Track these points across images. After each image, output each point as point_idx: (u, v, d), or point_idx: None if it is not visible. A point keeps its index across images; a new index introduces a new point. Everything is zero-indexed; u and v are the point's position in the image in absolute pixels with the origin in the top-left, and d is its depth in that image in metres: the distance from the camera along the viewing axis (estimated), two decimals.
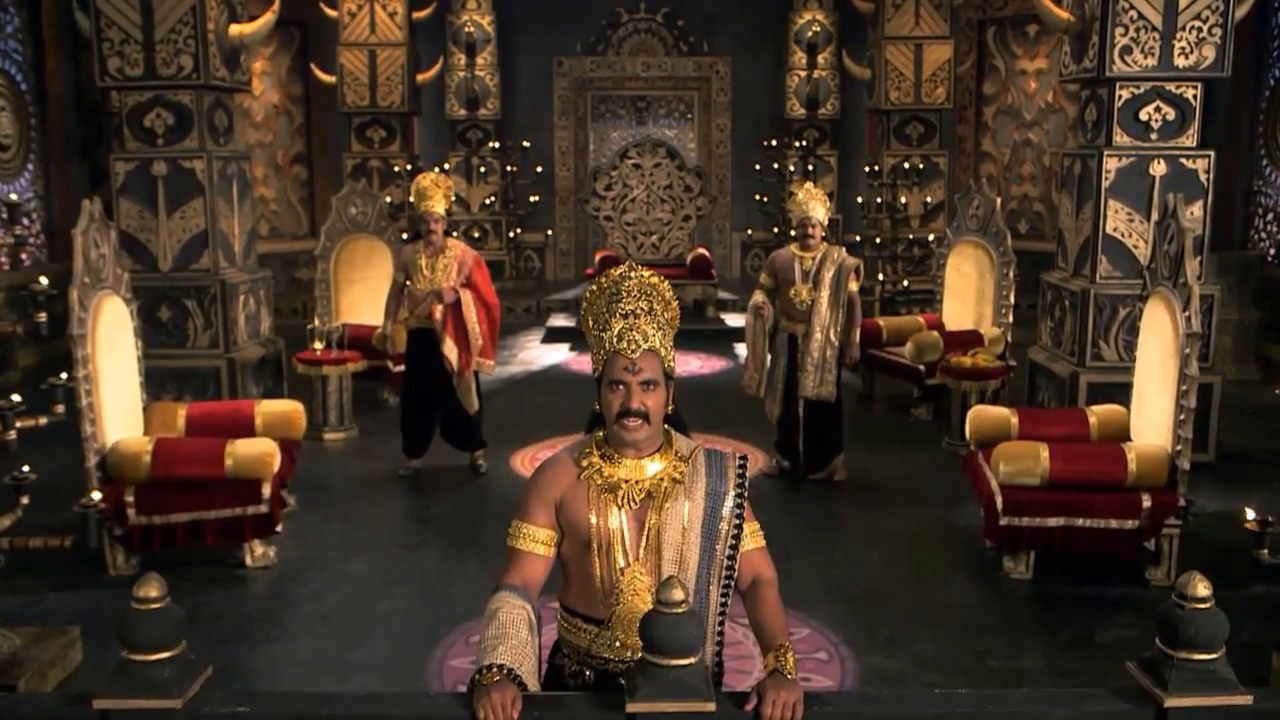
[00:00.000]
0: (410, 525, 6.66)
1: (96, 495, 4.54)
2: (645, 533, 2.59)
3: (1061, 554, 5.60)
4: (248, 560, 5.81)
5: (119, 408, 5.84)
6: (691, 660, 2.31)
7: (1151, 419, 5.80)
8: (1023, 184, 14.29)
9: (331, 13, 12.89)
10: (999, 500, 5.57)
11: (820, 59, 15.35)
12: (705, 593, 2.62)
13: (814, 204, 7.15)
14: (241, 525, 5.71)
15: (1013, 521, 5.55)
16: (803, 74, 15.45)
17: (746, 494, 2.68)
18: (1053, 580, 5.60)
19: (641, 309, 2.59)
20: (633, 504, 2.59)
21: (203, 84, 7.72)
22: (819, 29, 15.27)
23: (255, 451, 5.70)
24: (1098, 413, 6.15)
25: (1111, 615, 5.22)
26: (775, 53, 15.86)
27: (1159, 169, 7.27)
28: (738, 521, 2.65)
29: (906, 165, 12.62)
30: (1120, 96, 7.27)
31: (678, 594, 2.32)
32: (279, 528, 5.85)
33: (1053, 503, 5.52)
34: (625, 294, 2.60)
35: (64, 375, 4.58)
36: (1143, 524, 5.45)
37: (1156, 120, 7.27)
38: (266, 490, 5.69)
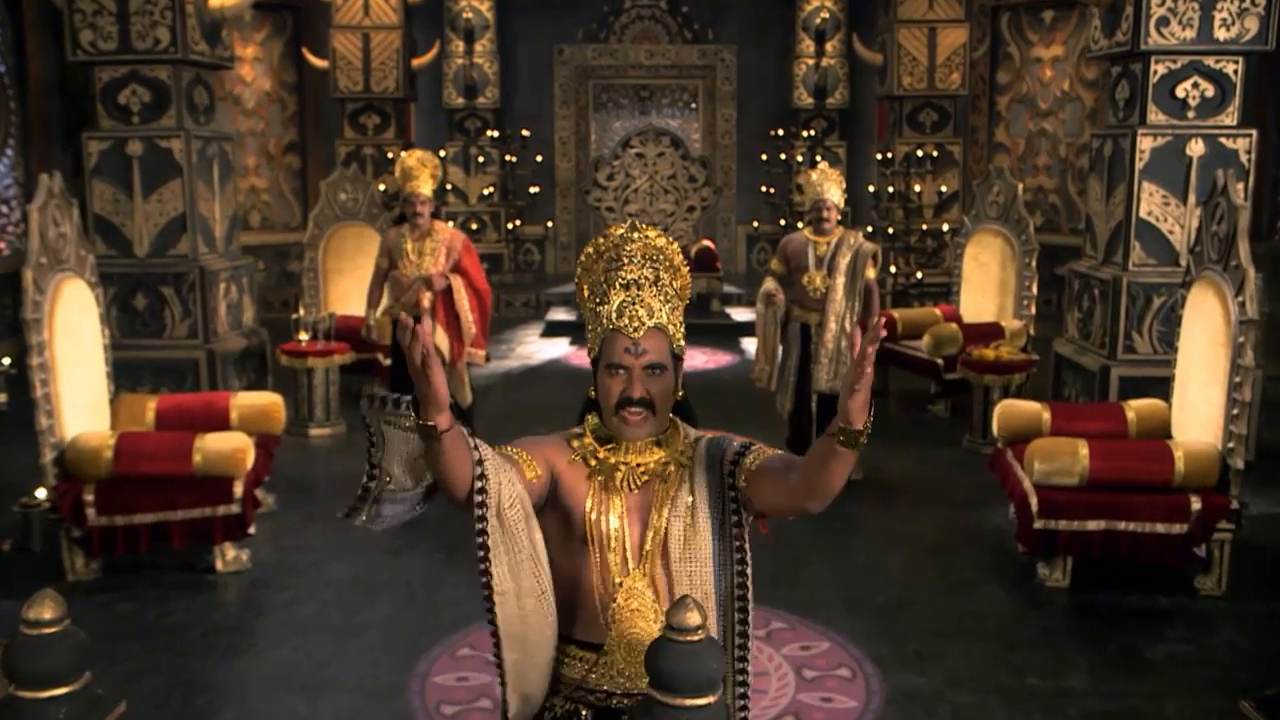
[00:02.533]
0: (396, 528, 6.20)
1: (41, 493, 4.11)
2: (648, 530, 2.17)
3: (1102, 560, 5.15)
4: (218, 565, 5.36)
5: (81, 399, 5.40)
6: (710, 699, 1.88)
7: (1197, 414, 5.35)
8: (1038, 175, 13.81)
9: None
10: (1033, 501, 5.13)
11: (828, 47, 14.87)
12: (723, 594, 2.22)
13: (829, 185, 6.71)
14: (211, 527, 5.26)
15: (1049, 525, 5.11)
16: (810, 62, 14.97)
17: (745, 460, 2.18)
18: (1092, 589, 5.15)
19: (646, 278, 2.17)
20: (633, 486, 2.16)
21: (181, 59, 7.28)
22: (827, 15, 14.79)
23: (226, 447, 5.26)
24: (1135, 408, 5.70)
25: (1160, 628, 4.77)
26: (782, 40, 15.38)
27: (1196, 149, 6.81)
28: (734, 494, 2.18)
29: (920, 153, 12.16)
30: (1155, 72, 6.82)
31: (693, 616, 1.88)
32: (252, 529, 5.41)
33: (1093, 504, 5.07)
34: (626, 260, 2.18)
35: (6, 361, 4.13)
36: (1192, 528, 5.00)
37: (1194, 97, 6.81)
38: (238, 489, 5.25)
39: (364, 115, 12.85)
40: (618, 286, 2.16)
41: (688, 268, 2.27)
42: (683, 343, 2.22)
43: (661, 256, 2.20)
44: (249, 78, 13.91)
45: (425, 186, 6.68)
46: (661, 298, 2.17)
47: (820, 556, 5.59)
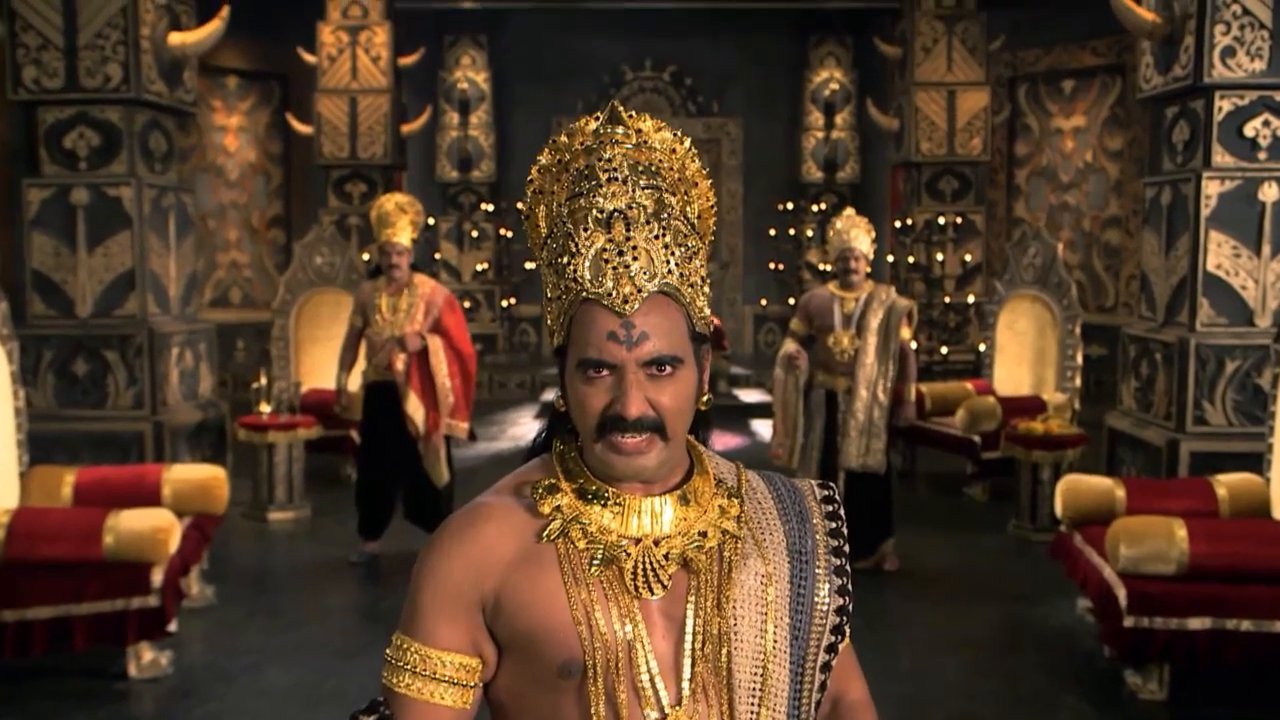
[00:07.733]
0: (354, 624, 5.30)
1: None
2: (691, 646, 1.28)
3: (1207, 666, 4.22)
4: (131, 669, 4.43)
5: None
6: None
7: None
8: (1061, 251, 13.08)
9: (310, 58, 11.85)
10: (1121, 594, 4.22)
11: (838, 119, 14.31)
12: None
13: (856, 233, 5.96)
14: (123, 623, 4.34)
15: (1140, 623, 4.19)
16: (820, 135, 14.38)
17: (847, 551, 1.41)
18: (1197, 703, 4.21)
19: (640, 207, 1.27)
20: (652, 588, 1.27)
21: (134, 98, 6.56)
22: (837, 87, 14.24)
23: (144, 526, 4.37)
24: (1226, 483, 4.83)
25: None
26: (790, 113, 14.81)
27: (1270, 194, 6.04)
28: (841, 602, 1.38)
29: (941, 220, 11.43)
30: (1220, 108, 6.08)
31: None
32: (173, 626, 4.50)
33: (1194, 598, 4.16)
34: (606, 174, 1.27)
35: None
36: None
37: (1265, 136, 6.06)
38: (157, 577, 4.35)
39: (350, 183, 12.15)
40: (592, 223, 1.26)
41: (709, 181, 1.36)
42: (707, 312, 1.33)
43: (668, 166, 1.30)
44: (232, 148, 13.31)
45: (403, 235, 5.94)
46: (670, 239, 1.27)
47: (863, 660, 4.65)
